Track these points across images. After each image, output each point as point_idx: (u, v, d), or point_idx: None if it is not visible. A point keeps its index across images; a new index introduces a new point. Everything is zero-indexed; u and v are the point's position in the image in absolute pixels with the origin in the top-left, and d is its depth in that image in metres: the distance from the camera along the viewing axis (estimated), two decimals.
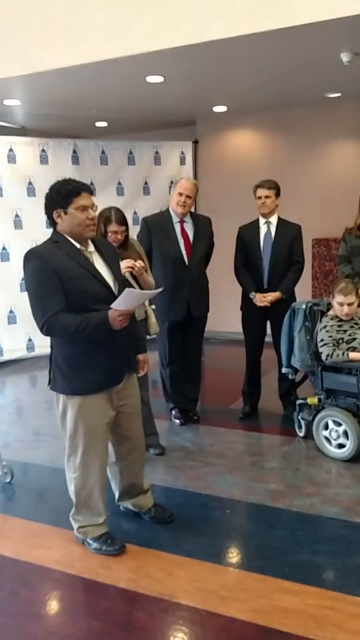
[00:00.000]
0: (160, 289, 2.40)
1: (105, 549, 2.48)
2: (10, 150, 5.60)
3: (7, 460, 3.29)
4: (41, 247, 2.33)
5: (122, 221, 3.06)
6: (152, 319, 3.32)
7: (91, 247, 2.40)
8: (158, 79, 4.58)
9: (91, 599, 2.23)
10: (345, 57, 4.03)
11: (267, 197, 3.89)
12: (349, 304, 3.39)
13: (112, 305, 2.23)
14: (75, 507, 2.53)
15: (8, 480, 3.21)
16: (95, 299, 2.27)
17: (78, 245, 2.33)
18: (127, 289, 2.24)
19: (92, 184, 5.48)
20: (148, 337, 3.26)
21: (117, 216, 3.03)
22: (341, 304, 3.40)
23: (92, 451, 2.41)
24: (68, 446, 2.44)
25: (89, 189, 2.33)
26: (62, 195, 2.28)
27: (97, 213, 2.45)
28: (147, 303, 3.25)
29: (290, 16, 3.39)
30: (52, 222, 2.35)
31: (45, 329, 2.25)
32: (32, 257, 2.28)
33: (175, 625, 2.06)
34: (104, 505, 2.53)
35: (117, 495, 2.74)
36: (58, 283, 2.22)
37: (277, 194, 3.93)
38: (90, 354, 2.33)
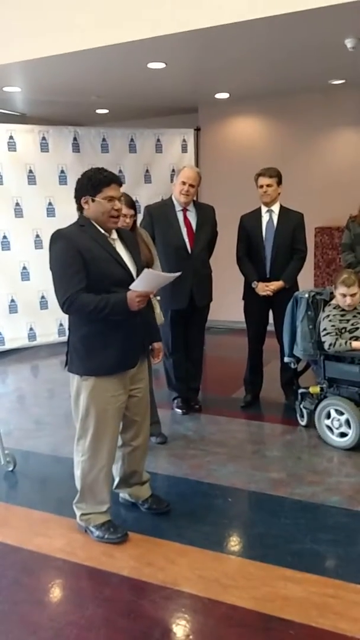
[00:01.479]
0: (178, 273, 2.43)
1: (107, 537, 2.49)
2: (11, 138, 5.55)
3: (9, 448, 3.30)
4: (67, 229, 2.40)
5: (131, 204, 3.09)
6: (157, 309, 3.32)
7: (114, 235, 2.47)
8: (159, 65, 4.54)
9: (94, 587, 2.24)
10: (349, 43, 3.99)
11: (268, 185, 3.85)
12: (352, 295, 3.38)
13: (131, 287, 2.29)
14: (80, 493, 2.54)
15: (10, 468, 3.22)
16: (115, 282, 2.32)
17: (102, 230, 2.40)
18: (145, 269, 2.30)
19: None
20: None
21: (126, 199, 3.04)
22: (344, 295, 3.39)
23: (102, 434, 2.44)
24: (79, 428, 2.47)
25: (119, 181, 2.40)
26: (92, 184, 2.35)
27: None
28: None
29: (293, 1, 3.35)
30: (79, 207, 2.42)
31: (66, 306, 2.30)
32: (58, 238, 2.35)
33: (178, 612, 2.07)
34: (108, 493, 2.54)
35: (116, 481, 2.75)
36: (81, 263, 2.29)
37: (279, 182, 3.90)
38: (106, 335, 2.37)
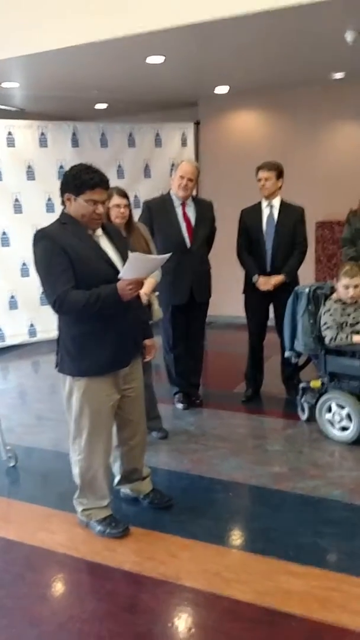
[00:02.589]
0: (167, 255, 2.34)
1: (109, 531, 2.49)
2: (9, 134, 5.54)
3: (10, 444, 3.30)
4: (49, 227, 2.34)
5: (124, 194, 3.05)
6: (155, 305, 3.31)
7: (99, 232, 2.41)
8: (158, 59, 4.51)
9: (96, 582, 2.25)
10: (349, 36, 3.97)
11: (266, 179, 3.84)
12: (355, 287, 3.37)
13: (120, 275, 2.23)
14: (80, 490, 2.54)
15: (12, 464, 3.23)
16: (102, 280, 2.26)
17: (85, 228, 2.34)
18: (131, 254, 2.22)
19: None
20: (150, 323, 3.25)
21: (118, 190, 3.01)
22: (347, 287, 3.37)
23: (97, 434, 2.43)
24: (73, 429, 2.45)
25: (105, 184, 2.32)
26: (76, 183, 2.28)
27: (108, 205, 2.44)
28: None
29: None
30: (62, 201, 2.36)
31: (57, 306, 2.25)
32: (41, 237, 2.29)
33: (180, 607, 2.08)
34: (108, 488, 2.54)
35: (117, 479, 2.75)
36: (67, 262, 2.24)
37: (278, 176, 3.87)
38: (97, 335, 2.33)
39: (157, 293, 3.36)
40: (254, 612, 2.03)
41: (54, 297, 2.23)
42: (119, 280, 2.23)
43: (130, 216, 3.12)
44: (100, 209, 2.31)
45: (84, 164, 2.35)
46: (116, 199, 2.99)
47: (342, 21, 3.75)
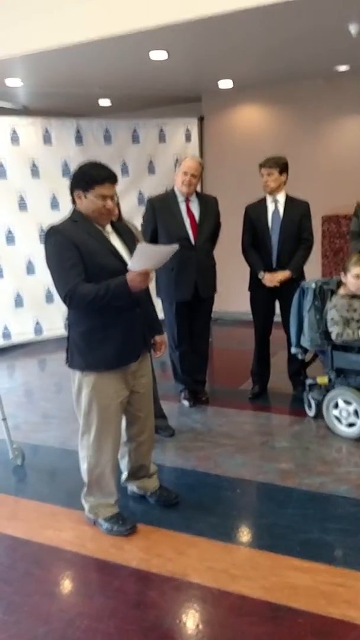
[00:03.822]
0: (176, 245, 2.34)
1: (116, 529, 2.51)
2: (14, 131, 5.54)
3: (17, 442, 3.32)
4: (61, 224, 2.38)
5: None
6: None
7: (109, 228, 2.45)
8: (162, 54, 4.50)
9: (103, 579, 2.26)
10: (353, 28, 3.94)
11: (269, 175, 3.82)
12: None
13: (129, 267, 2.25)
14: (87, 487, 2.56)
15: (19, 462, 3.24)
16: (112, 274, 2.28)
17: (96, 224, 2.37)
18: (139, 244, 2.24)
19: None
20: None
21: None
22: (358, 276, 3.35)
23: (106, 430, 2.44)
24: (82, 424, 2.47)
25: (113, 179, 2.35)
26: (85, 179, 2.32)
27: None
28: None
29: None
30: (73, 200, 2.40)
31: (68, 300, 2.28)
32: (52, 233, 2.33)
33: (187, 603, 2.08)
34: (115, 486, 2.55)
35: (124, 476, 2.76)
36: (77, 256, 2.27)
37: (282, 171, 3.84)
38: (106, 330, 2.35)
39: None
40: (261, 607, 2.03)
41: (65, 290, 2.26)
42: (127, 272, 2.25)
43: (119, 213, 3.11)
44: (110, 203, 2.34)
45: (92, 161, 2.40)
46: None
47: (346, 13, 3.72)
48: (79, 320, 2.39)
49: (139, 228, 3.59)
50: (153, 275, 3.25)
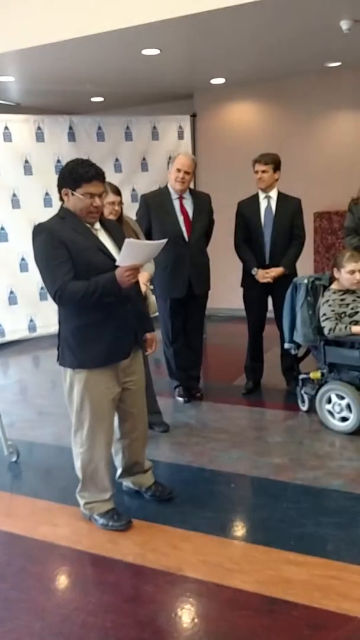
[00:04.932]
0: (164, 240, 2.35)
1: (112, 524, 2.52)
2: (6, 128, 5.52)
3: (12, 439, 3.32)
4: (48, 221, 2.38)
5: (117, 192, 3.08)
6: (151, 298, 3.31)
7: (97, 225, 2.44)
8: (154, 51, 4.49)
9: (99, 574, 2.27)
10: (344, 24, 3.94)
11: (263, 171, 3.83)
12: None
13: (117, 262, 2.25)
14: (82, 483, 2.56)
15: (14, 459, 3.25)
16: (101, 271, 2.28)
17: (84, 222, 2.37)
18: (126, 240, 2.23)
19: None
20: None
21: (112, 187, 3.03)
22: (353, 272, 3.37)
23: (98, 426, 2.45)
24: (75, 421, 2.48)
25: (101, 177, 2.34)
26: (73, 177, 2.31)
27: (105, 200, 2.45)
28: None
29: None
30: (60, 197, 2.39)
31: (57, 297, 2.28)
32: (40, 231, 2.33)
33: (182, 597, 2.10)
34: (109, 481, 2.56)
35: (119, 472, 2.77)
36: (66, 254, 2.27)
37: (275, 169, 3.86)
38: (97, 327, 2.35)
39: (152, 286, 3.36)
40: (256, 601, 2.05)
41: (54, 288, 2.26)
42: (116, 268, 2.25)
43: (121, 210, 3.14)
44: (98, 201, 2.33)
45: (80, 158, 2.39)
46: (111, 197, 3.01)
47: (338, 9, 3.73)
48: (69, 318, 2.39)
49: None
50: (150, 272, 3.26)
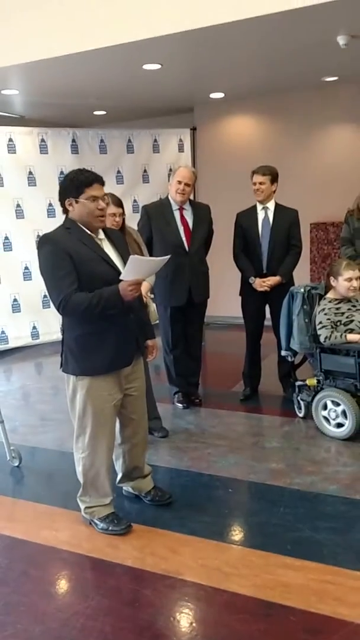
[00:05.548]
0: (166, 257, 2.40)
1: (111, 528, 2.54)
2: (10, 140, 5.60)
3: (15, 444, 3.35)
4: (53, 232, 2.42)
5: (119, 203, 3.11)
6: (152, 307, 3.36)
7: (101, 235, 2.48)
8: (155, 66, 4.57)
9: (99, 578, 2.29)
10: (341, 40, 4.01)
11: (261, 183, 3.91)
12: (357, 278, 3.42)
13: (121, 277, 2.30)
14: (83, 488, 2.59)
15: (16, 464, 3.28)
16: (105, 282, 2.33)
17: (89, 232, 2.41)
18: (131, 257, 2.28)
19: None
20: None
21: (113, 199, 3.06)
22: (349, 280, 3.42)
23: (100, 432, 2.48)
24: (77, 427, 2.51)
25: (101, 180, 2.39)
26: (74, 185, 2.35)
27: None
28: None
29: (286, 0, 3.38)
30: (64, 210, 2.43)
31: (61, 308, 2.32)
32: (45, 242, 2.37)
33: (181, 601, 2.11)
34: (110, 486, 2.60)
35: (119, 477, 2.80)
36: (71, 265, 2.30)
37: (273, 180, 3.94)
38: (100, 335, 2.39)
39: (152, 295, 3.42)
40: (253, 605, 2.06)
41: (59, 299, 2.30)
42: (120, 281, 2.30)
43: (123, 222, 3.18)
44: (102, 204, 2.37)
45: (75, 169, 2.45)
46: (112, 208, 3.04)
47: (335, 25, 3.80)
48: (73, 326, 2.42)
49: None
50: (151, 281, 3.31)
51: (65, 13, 4.02)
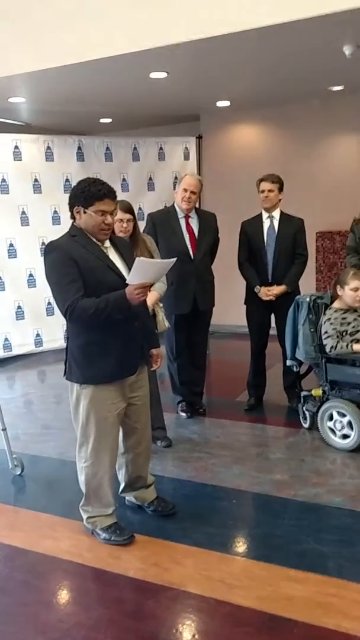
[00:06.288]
0: (173, 259, 2.38)
1: (114, 539, 2.53)
2: (16, 147, 5.64)
3: (17, 453, 3.34)
4: (59, 240, 2.42)
5: (127, 209, 3.09)
6: (160, 316, 3.35)
7: (107, 243, 2.48)
8: (161, 75, 4.60)
9: (101, 588, 2.27)
10: (347, 50, 4.03)
11: (270, 190, 3.91)
12: None
13: (128, 280, 2.29)
14: (85, 497, 2.58)
15: (18, 472, 3.27)
16: (111, 289, 2.32)
17: (94, 240, 2.41)
18: (137, 259, 2.28)
19: None
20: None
21: (122, 204, 3.04)
22: (356, 289, 3.41)
23: (103, 441, 2.47)
24: (80, 436, 2.50)
25: (112, 195, 2.39)
26: (85, 195, 2.35)
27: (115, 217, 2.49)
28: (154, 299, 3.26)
29: (292, 10, 3.40)
30: (72, 215, 2.44)
31: (68, 315, 2.31)
32: (52, 249, 2.38)
33: (183, 613, 2.10)
34: (112, 496, 2.58)
35: (122, 486, 2.79)
36: (77, 272, 2.31)
37: (280, 189, 3.95)
38: (104, 343, 2.39)
39: (161, 304, 3.41)
40: (257, 617, 2.04)
41: (65, 306, 2.30)
42: (126, 286, 2.29)
43: (135, 229, 3.17)
44: (109, 219, 2.38)
45: (91, 177, 2.44)
46: (119, 214, 3.03)
47: (341, 35, 3.82)
48: (77, 334, 2.42)
49: None
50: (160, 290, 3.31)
51: (71, 23, 4.06)
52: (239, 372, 4.49)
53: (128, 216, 3.09)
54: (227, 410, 4.17)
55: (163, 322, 3.37)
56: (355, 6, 3.24)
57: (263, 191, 3.93)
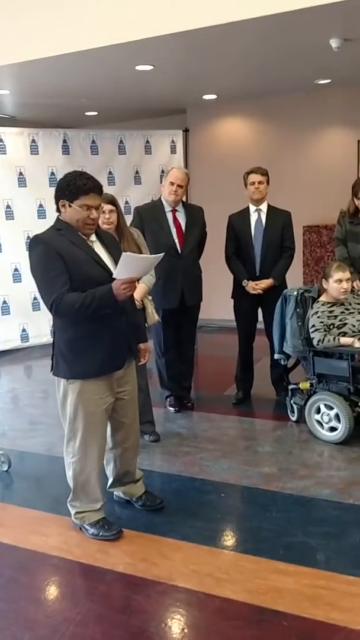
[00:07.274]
0: (160, 255, 2.37)
1: (102, 534, 2.52)
2: (0, 140, 5.57)
3: (3, 449, 3.32)
4: (44, 233, 2.39)
5: (109, 201, 3.04)
6: (149, 309, 3.33)
7: (93, 237, 2.46)
8: (147, 67, 4.57)
9: (89, 584, 2.27)
10: (334, 43, 4.04)
11: (260, 182, 3.90)
12: (347, 280, 3.43)
13: (114, 275, 2.27)
14: (73, 492, 2.57)
15: (5, 468, 3.24)
16: (97, 283, 2.30)
17: (80, 233, 2.39)
18: (124, 254, 2.26)
19: None
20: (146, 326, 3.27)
21: (104, 197, 3.00)
22: (340, 281, 3.42)
23: (91, 436, 2.46)
24: (67, 431, 2.49)
25: (98, 190, 2.36)
26: (70, 189, 2.32)
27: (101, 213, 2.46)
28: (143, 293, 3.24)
29: (278, 3, 3.39)
30: (57, 208, 2.41)
31: (54, 309, 2.29)
32: (37, 243, 2.35)
33: (173, 607, 2.10)
34: (101, 491, 2.57)
35: (110, 481, 2.78)
36: (62, 266, 2.28)
37: (268, 181, 3.94)
38: (92, 338, 2.37)
39: (150, 297, 3.40)
40: (246, 610, 2.05)
41: (51, 300, 2.27)
42: (113, 281, 2.27)
43: (120, 222, 3.13)
44: (94, 213, 2.35)
45: (78, 171, 2.41)
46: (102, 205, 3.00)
47: (328, 28, 3.82)
48: (64, 328, 2.40)
49: None
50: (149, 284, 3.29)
51: (57, 13, 4.01)
52: (227, 366, 4.49)
53: (110, 207, 3.04)
54: (215, 404, 4.17)
55: (152, 315, 3.35)
56: None
57: (253, 183, 3.91)
